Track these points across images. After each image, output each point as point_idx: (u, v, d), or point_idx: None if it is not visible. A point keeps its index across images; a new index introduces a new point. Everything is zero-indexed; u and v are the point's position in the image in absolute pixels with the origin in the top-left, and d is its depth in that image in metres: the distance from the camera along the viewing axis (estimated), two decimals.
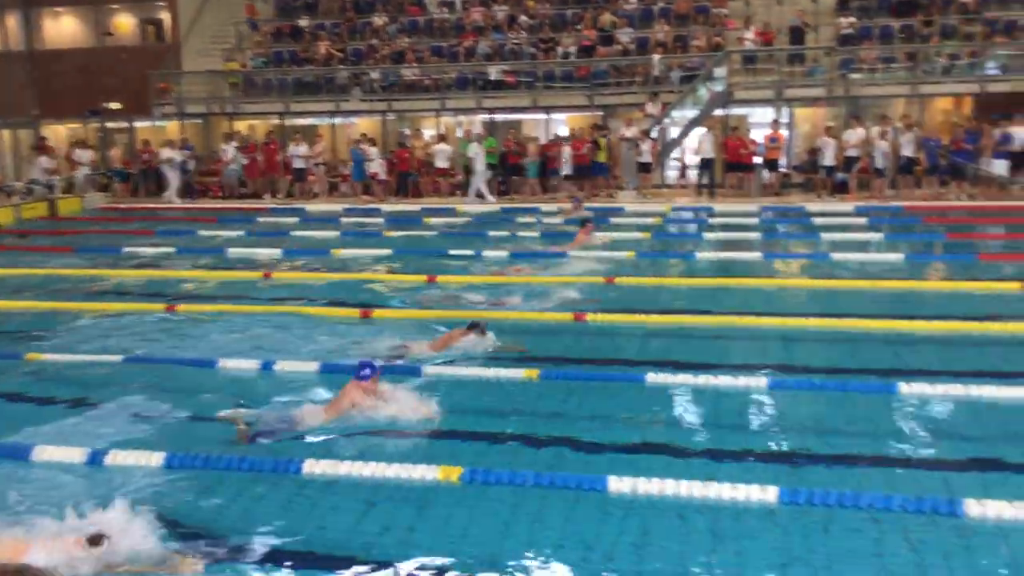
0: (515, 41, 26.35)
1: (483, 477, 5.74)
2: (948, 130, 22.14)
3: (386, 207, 21.69)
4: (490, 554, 4.92)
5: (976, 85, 22.37)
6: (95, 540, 4.79)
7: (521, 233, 17.17)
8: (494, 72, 25.07)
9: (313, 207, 22.23)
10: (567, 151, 22.40)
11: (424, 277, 12.76)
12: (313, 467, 5.97)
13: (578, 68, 24.78)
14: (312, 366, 8.38)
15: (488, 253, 14.75)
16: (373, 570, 4.78)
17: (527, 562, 4.83)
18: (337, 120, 27.09)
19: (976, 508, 5.17)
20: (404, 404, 6.98)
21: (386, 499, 5.61)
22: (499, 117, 25.76)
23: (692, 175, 23.59)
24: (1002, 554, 4.85)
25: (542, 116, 25.80)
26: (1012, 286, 11.35)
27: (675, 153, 24.39)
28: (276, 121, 26.71)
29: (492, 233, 17.11)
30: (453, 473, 5.78)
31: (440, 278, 12.68)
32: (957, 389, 7.29)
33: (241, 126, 27.09)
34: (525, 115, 25.98)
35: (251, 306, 11.22)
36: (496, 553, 4.94)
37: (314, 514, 5.48)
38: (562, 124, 25.75)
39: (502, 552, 4.95)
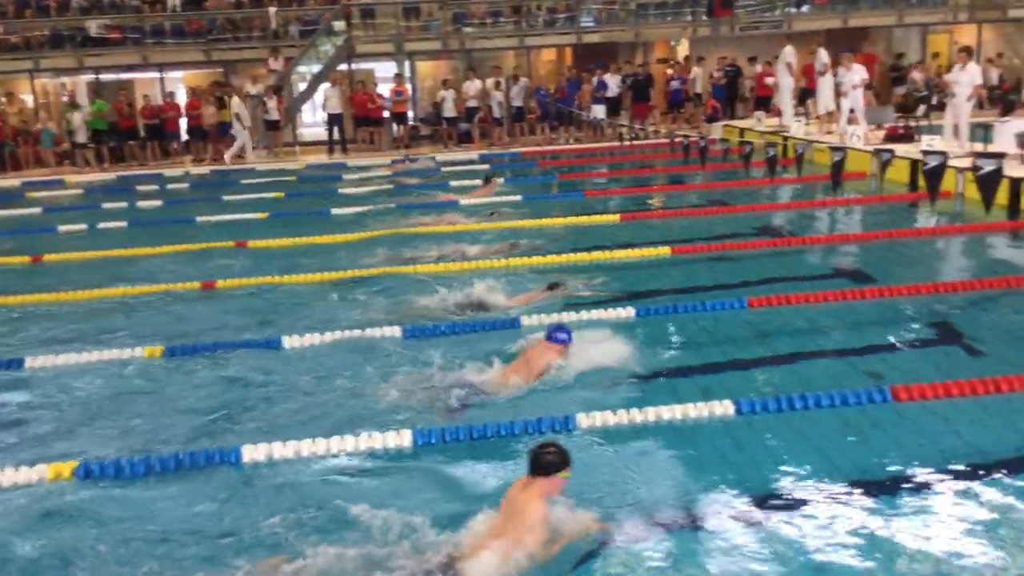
0: None
1: (99, 470, 5.31)
2: (554, 79, 24.06)
3: None
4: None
5: (574, 36, 24.44)
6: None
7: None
8: (94, 27, 22.82)
9: None
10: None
11: (28, 258, 11.53)
12: None
13: (190, 22, 23.33)
14: None
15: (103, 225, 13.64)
16: None
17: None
18: None
19: (585, 420, 5.72)
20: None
21: None
22: (107, 77, 23.59)
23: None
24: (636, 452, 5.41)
25: (155, 75, 24.01)
26: (612, 218, 12.67)
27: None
28: None
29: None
30: (66, 469, 5.31)
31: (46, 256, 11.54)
32: (571, 316, 7.98)
33: None
34: (136, 74, 24.04)
35: None
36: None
37: None
38: (179, 83, 24.21)
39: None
